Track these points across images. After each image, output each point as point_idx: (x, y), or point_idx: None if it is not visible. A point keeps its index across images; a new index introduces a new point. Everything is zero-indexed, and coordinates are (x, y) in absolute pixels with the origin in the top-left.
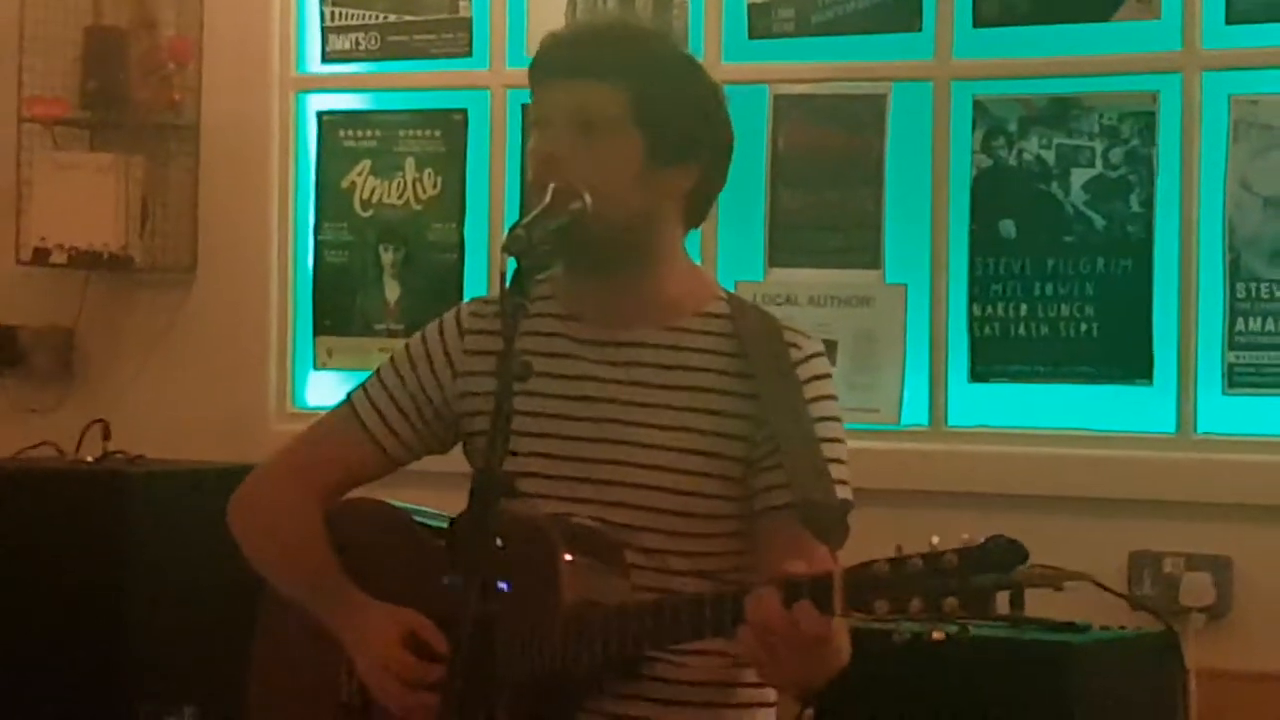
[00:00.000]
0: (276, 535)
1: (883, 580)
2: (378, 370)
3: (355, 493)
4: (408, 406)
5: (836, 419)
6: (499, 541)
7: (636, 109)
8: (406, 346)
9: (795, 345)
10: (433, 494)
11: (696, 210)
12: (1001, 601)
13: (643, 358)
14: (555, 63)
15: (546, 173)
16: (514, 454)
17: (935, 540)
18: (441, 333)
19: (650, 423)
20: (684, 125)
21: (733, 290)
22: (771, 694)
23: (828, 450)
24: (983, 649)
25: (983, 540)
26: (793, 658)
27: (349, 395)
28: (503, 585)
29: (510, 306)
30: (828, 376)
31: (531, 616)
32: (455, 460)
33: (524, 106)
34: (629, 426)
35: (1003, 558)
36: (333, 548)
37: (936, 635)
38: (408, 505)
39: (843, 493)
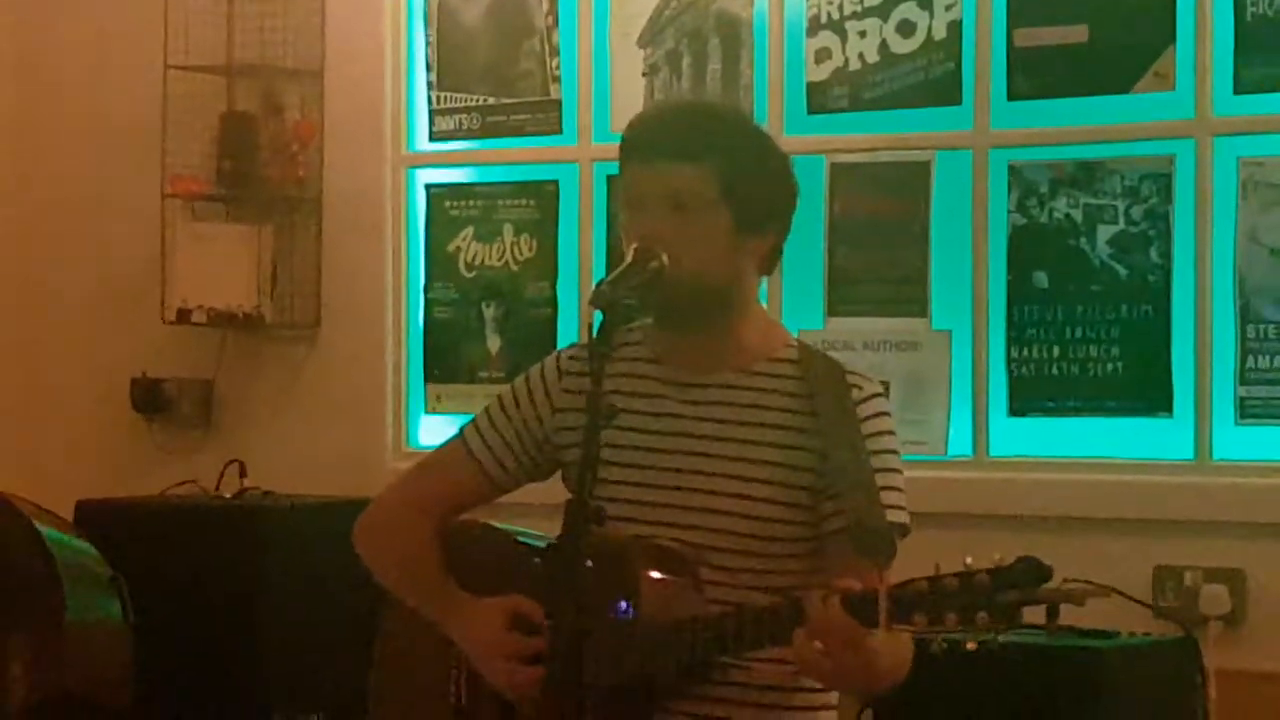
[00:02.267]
0: (396, 553)
1: (921, 596)
2: (486, 408)
3: (464, 517)
4: (512, 439)
5: (895, 452)
6: (589, 563)
7: (724, 187)
8: (512, 386)
9: (857, 386)
10: (533, 521)
11: (770, 264)
12: (1036, 614)
13: (721, 398)
14: (646, 145)
15: (651, 249)
16: (604, 483)
17: (969, 560)
18: (543, 374)
19: (726, 455)
20: (765, 197)
21: (795, 336)
22: (833, 697)
23: (884, 479)
24: (1018, 654)
25: (1012, 560)
26: (846, 660)
27: (460, 429)
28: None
29: (596, 354)
30: (887, 415)
31: (617, 627)
32: (553, 492)
33: (609, 178)
34: (707, 459)
35: (1030, 576)
36: (445, 562)
37: (970, 645)
38: (510, 527)
39: (897, 516)
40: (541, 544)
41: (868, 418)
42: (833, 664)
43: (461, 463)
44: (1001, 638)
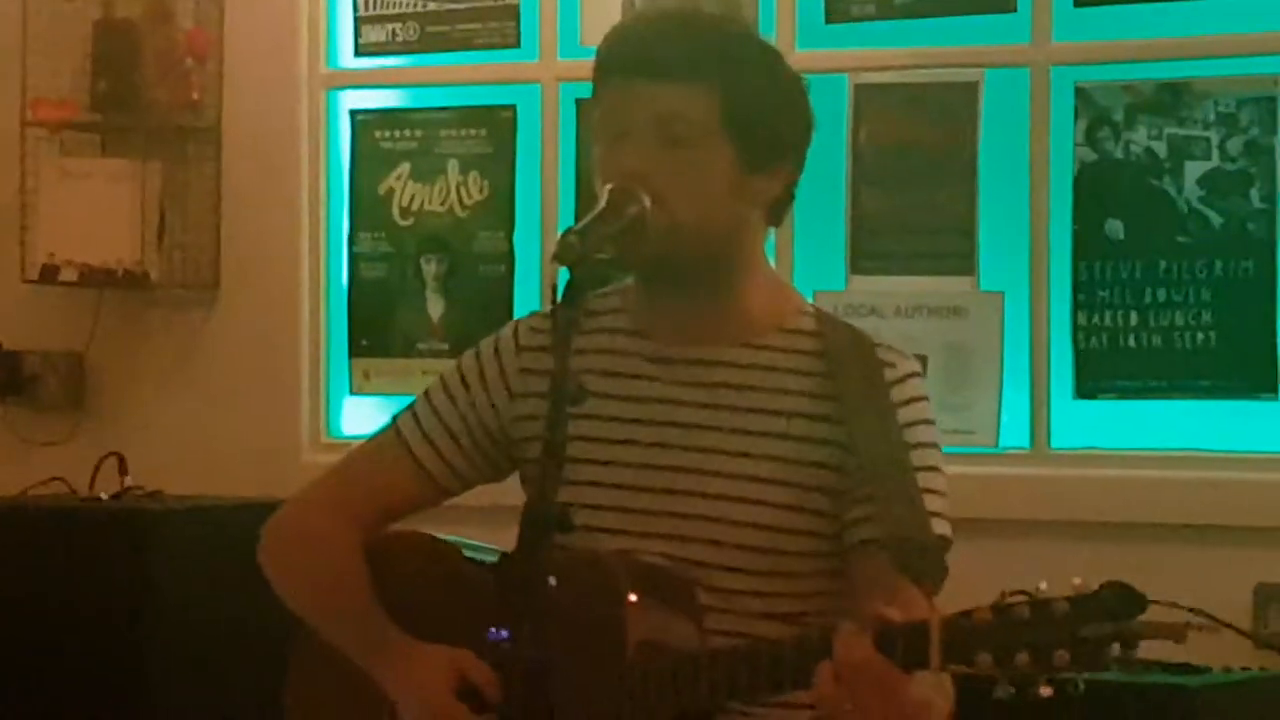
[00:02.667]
0: (312, 572)
1: (986, 631)
2: (426, 391)
3: (398, 525)
4: (459, 430)
5: (935, 445)
6: (553, 580)
7: (727, 113)
8: (458, 364)
9: (890, 364)
10: (485, 529)
11: (779, 213)
12: (1114, 648)
13: (721, 378)
14: (629, 61)
15: (629, 189)
16: (574, 483)
17: (1043, 585)
18: (497, 349)
19: (728, 449)
20: (776, 127)
21: (811, 301)
22: None
23: (924, 480)
24: (1092, 693)
25: (1097, 587)
26: (881, 710)
27: (394, 418)
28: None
29: (561, 321)
30: (925, 399)
31: (592, 664)
32: (513, 492)
33: (579, 102)
34: (704, 454)
35: (1121, 606)
36: (373, 585)
37: (1044, 691)
38: (456, 539)
39: (940, 527)
40: (495, 558)
41: (904, 402)
42: (859, 714)
43: (395, 459)
44: (1083, 680)
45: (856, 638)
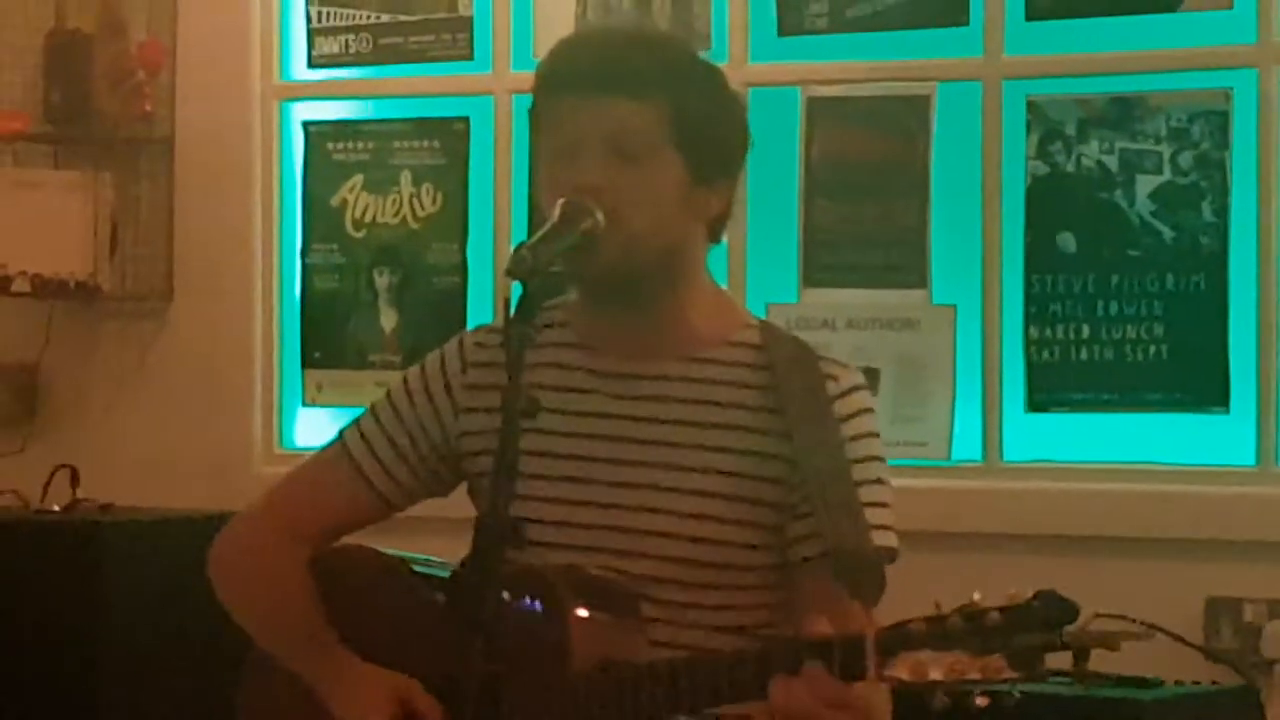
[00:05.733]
0: (258, 587)
1: (920, 641)
2: (372, 406)
3: (345, 540)
4: (405, 445)
5: (879, 458)
6: (505, 595)
7: (677, 128)
8: (404, 379)
9: (833, 377)
10: (433, 541)
11: (719, 230)
12: (1061, 658)
13: (665, 391)
14: (579, 77)
15: (582, 204)
16: (521, 498)
17: (977, 596)
18: (443, 364)
19: (673, 464)
20: (723, 142)
21: (764, 314)
22: None
23: (868, 494)
24: (1042, 708)
25: (1030, 596)
26: None
27: (340, 433)
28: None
29: (515, 336)
30: (870, 411)
31: (540, 678)
32: (458, 504)
33: (531, 112)
34: (649, 468)
35: (1052, 616)
36: (319, 600)
37: (980, 700)
38: (403, 553)
39: (884, 539)
40: (445, 573)
41: (848, 416)
42: None
43: (342, 474)
44: (1019, 689)
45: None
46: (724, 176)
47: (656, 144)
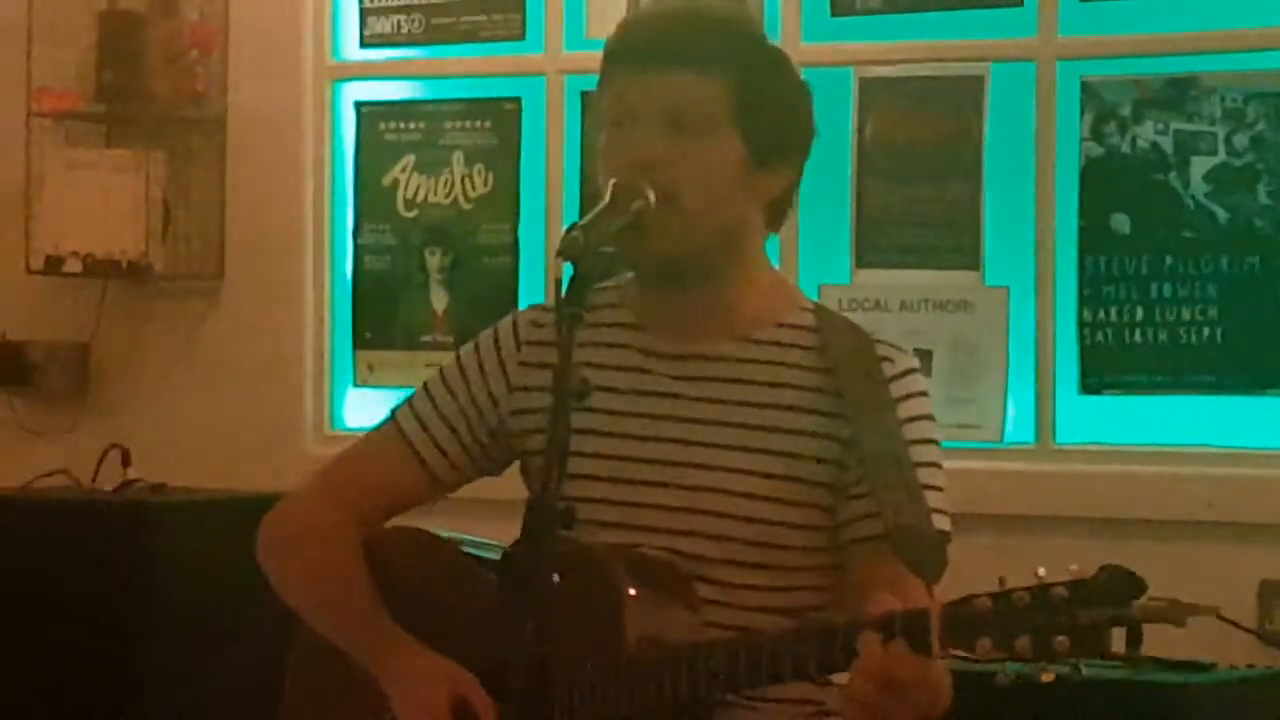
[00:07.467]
0: (310, 568)
1: (986, 616)
2: (425, 384)
3: (396, 521)
4: (458, 424)
5: (934, 441)
6: (557, 577)
7: (738, 106)
8: (458, 357)
9: (888, 360)
10: (484, 524)
11: (780, 216)
12: (1117, 639)
13: (718, 372)
14: (643, 51)
15: (637, 178)
16: (574, 477)
17: (1041, 572)
18: (497, 342)
19: (727, 444)
20: (783, 125)
21: (817, 295)
22: None
23: (924, 476)
24: (1096, 692)
25: (1095, 571)
26: (889, 704)
27: (393, 412)
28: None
29: (565, 316)
30: (924, 394)
31: (593, 658)
32: (510, 485)
33: (584, 95)
34: (703, 448)
35: (1118, 590)
36: (372, 582)
37: (1045, 677)
38: (455, 534)
39: (940, 523)
40: (496, 554)
41: (903, 398)
42: (879, 705)
43: (395, 453)
44: (1086, 665)
45: (872, 641)
46: (783, 161)
47: (716, 120)
